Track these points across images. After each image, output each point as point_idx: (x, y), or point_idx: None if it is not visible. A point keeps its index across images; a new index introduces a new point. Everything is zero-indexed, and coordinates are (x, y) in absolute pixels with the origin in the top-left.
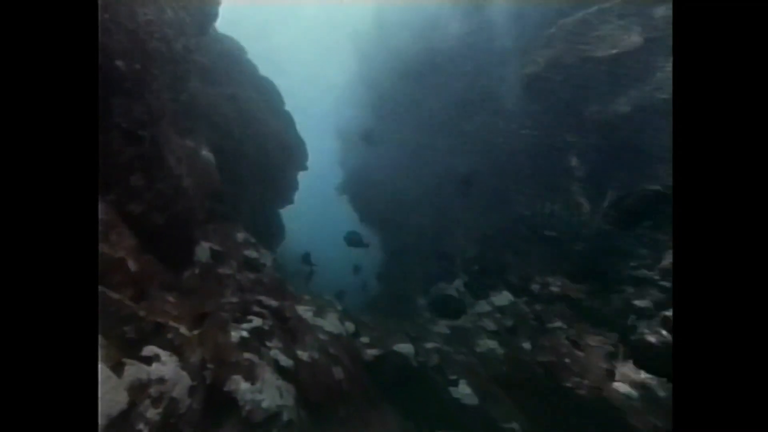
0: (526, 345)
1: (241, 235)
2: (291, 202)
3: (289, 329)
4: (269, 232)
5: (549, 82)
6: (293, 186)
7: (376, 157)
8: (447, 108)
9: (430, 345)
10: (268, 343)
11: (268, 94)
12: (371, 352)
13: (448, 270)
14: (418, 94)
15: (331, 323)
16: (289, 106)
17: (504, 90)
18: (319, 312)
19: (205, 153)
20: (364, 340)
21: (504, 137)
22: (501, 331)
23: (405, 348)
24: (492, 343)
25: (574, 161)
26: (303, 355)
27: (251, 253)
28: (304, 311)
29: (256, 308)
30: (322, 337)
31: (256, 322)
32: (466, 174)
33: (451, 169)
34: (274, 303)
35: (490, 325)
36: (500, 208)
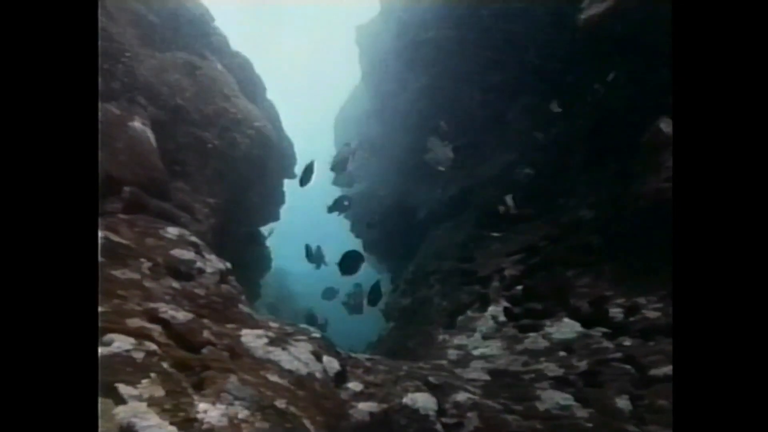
0: (623, 403)
1: (174, 231)
2: (276, 218)
3: (198, 364)
4: (246, 252)
5: (621, 26)
6: (277, 197)
7: (380, 170)
8: (471, 98)
9: (461, 397)
10: (124, 391)
11: (241, 74)
12: (365, 408)
13: (480, 294)
14: (434, 83)
15: (295, 358)
16: (281, 103)
17: (549, 57)
18: (281, 340)
19: (138, 126)
20: (355, 386)
21: (551, 120)
22: (573, 378)
23: (422, 400)
24: (563, 398)
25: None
26: (210, 413)
27: (182, 254)
28: (254, 338)
29: (136, 322)
30: (273, 379)
31: (118, 345)
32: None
33: (479, 174)
34: (180, 317)
35: (552, 367)
36: (548, 211)
